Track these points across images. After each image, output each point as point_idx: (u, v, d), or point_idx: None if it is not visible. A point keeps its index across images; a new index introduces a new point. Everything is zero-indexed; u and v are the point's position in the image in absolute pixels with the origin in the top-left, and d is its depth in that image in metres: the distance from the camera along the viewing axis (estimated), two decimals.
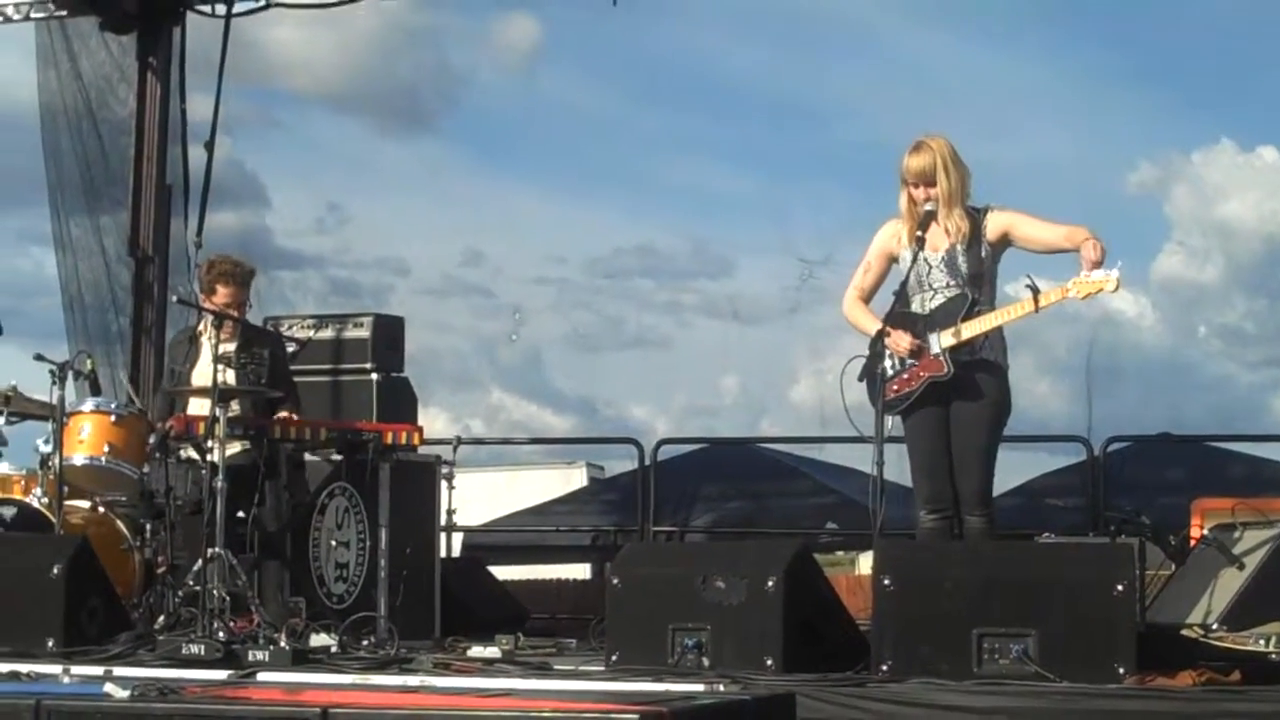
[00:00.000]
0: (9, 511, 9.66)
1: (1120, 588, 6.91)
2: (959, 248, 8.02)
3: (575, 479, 21.68)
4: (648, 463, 13.42)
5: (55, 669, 7.37)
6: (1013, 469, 13.11)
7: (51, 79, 14.49)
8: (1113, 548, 8.97)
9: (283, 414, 9.65)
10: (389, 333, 11.51)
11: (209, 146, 14.03)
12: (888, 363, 8.03)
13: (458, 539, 13.31)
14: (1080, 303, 7.87)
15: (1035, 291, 7.83)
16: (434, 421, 11.36)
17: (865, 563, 17.07)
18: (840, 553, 19.00)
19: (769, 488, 14.99)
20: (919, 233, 7.98)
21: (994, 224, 8.07)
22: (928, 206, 8.00)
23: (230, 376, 9.15)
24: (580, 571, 15.57)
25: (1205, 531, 8.51)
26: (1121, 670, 6.77)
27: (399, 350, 11.59)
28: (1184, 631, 7.57)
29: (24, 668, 7.36)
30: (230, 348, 9.42)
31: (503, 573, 12.80)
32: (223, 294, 9.69)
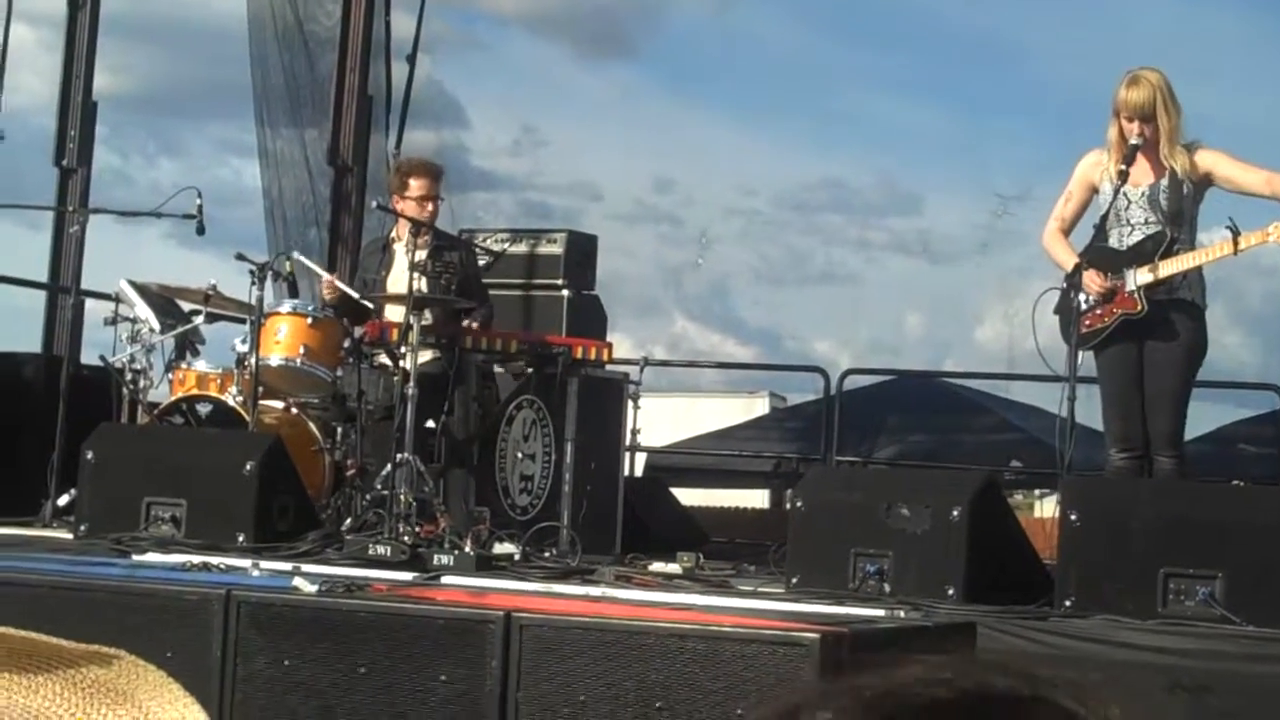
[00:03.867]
0: (205, 408, 9.83)
1: None
2: (1162, 184, 7.90)
3: (758, 408, 21.64)
4: (833, 392, 13.38)
5: (245, 563, 7.50)
6: (1203, 418, 12.92)
7: None
8: None
9: (465, 323, 9.73)
10: (582, 250, 11.55)
11: (411, 60, 14.17)
12: (1082, 297, 7.94)
13: (641, 459, 13.37)
14: (1275, 252, 7.74)
15: (1235, 233, 7.71)
16: (619, 346, 11.38)
17: (1046, 506, 16.93)
18: (1020, 496, 18.87)
19: (954, 422, 14.94)
20: (1123, 167, 7.87)
21: (1199, 163, 7.94)
22: (1135, 140, 7.87)
23: (423, 284, 9.24)
24: (759, 499, 15.60)
25: None
26: None
27: (591, 268, 11.62)
28: None
29: (215, 559, 7.51)
30: (423, 255, 9.50)
31: (684, 496, 12.84)
32: (415, 187, 9.77)
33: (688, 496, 13.26)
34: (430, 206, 9.82)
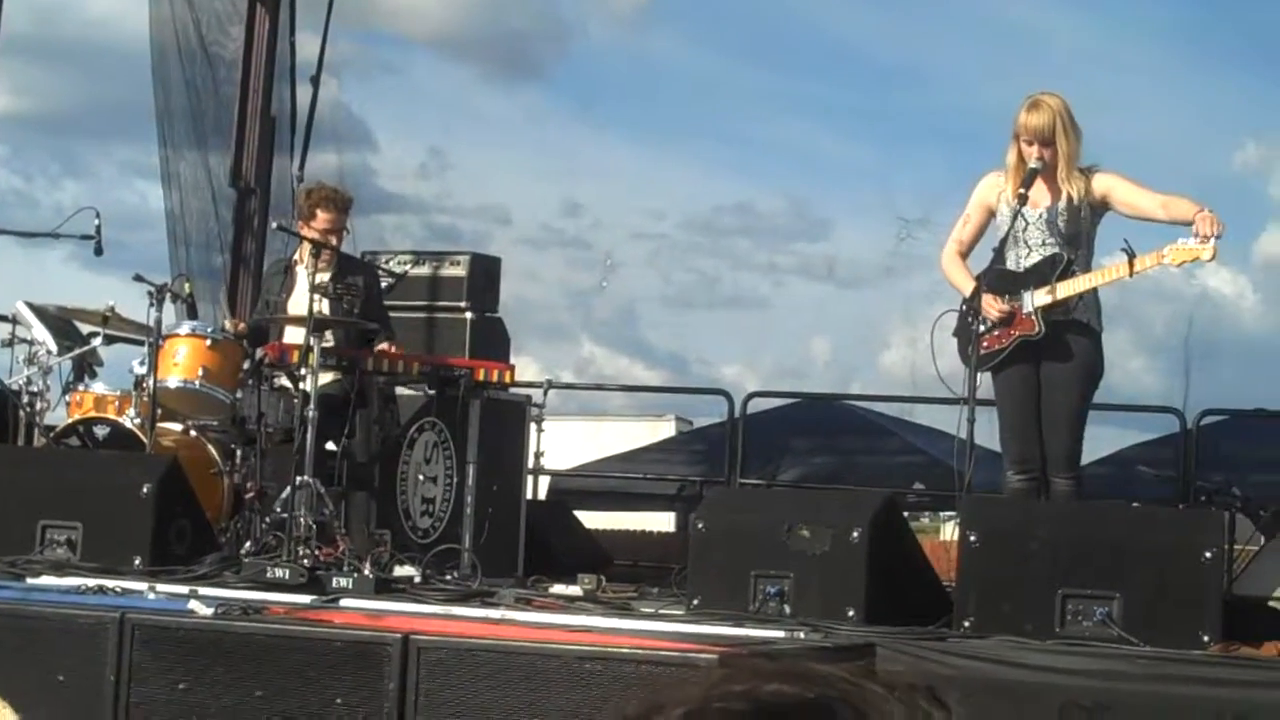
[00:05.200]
0: (102, 431, 9.75)
1: (1209, 555, 6.86)
2: (1060, 207, 7.96)
3: (663, 432, 21.64)
4: (737, 415, 13.40)
5: (141, 586, 7.44)
6: (1105, 441, 13.02)
7: (164, 11, 14.57)
8: (1202, 515, 8.90)
9: (382, 346, 9.70)
10: (485, 272, 11.52)
11: (315, 82, 14.11)
12: (981, 319, 7.98)
13: (544, 482, 13.34)
14: (1180, 279, 7.81)
15: (1131, 255, 7.78)
16: (524, 370, 11.38)
17: (948, 529, 17.01)
18: (925, 519, 18.94)
19: (857, 445, 14.97)
20: (1021, 189, 7.92)
21: (1097, 186, 8.00)
22: (1034, 164, 7.92)
23: (325, 306, 9.19)
24: (664, 522, 15.58)
25: None
26: (1206, 638, 6.72)
27: (495, 290, 11.60)
28: (1271, 603, 7.51)
29: (111, 583, 7.44)
30: (326, 277, 9.45)
31: (588, 519, 12.81)
32: (322, 219, 9.74)
33: (593, 519, 13.23)
34: (334, 239, 9.79)
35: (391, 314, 10.28)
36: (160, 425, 9.52)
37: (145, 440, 9.29)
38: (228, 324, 10.17)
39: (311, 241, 9.48)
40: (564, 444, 13.50)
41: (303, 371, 8.87)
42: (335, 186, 10.06)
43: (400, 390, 9.91)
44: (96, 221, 9.97)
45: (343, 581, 7.74)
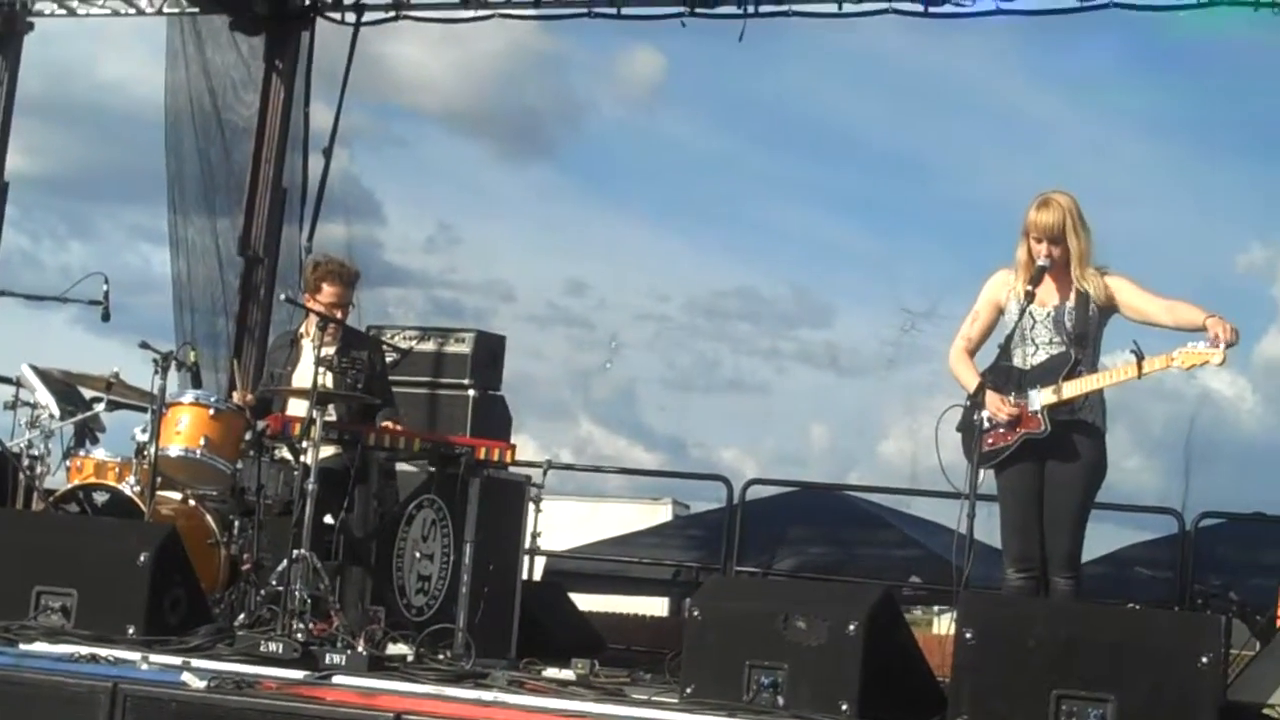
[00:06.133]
0: (101, 497, 9.74)
1: (1205, 660, 6.82)
2: (1068, 305, 7.97)
3: (661, 515, 21.64)
4: (735, 501, 13.39)
5: (134, 655, 7.40)
6: (1103, 539, 12.99)
7: (180, 77, 14.67)
8: (1200, 619, 8.84)
9: (386, 422, 9.71)
10: (490, 350, 11.55)
11: (327, 154, 14.18)
12: (985, 415, 7.98)
13: (540, 562, 13.32)
14: (1181, 379, 7.81)
15: (1139, 357, 7.78)
16: (524, 448, 11.38)
17: (943, 623, 16.95)
18: (919, 611, 18.87)
19: (855, 536, 14.97)
20: (1029, 287, 7.94)
21: (1105, 288, 8.01)
22: (1042, 262, 7.95)
23: (329, 380, 9.20)
24: (659, 606, 15.55)
25: None
26: None
27: (498, 368, 11.62)
28: (1266, 710, 7.48)
29: (104, 651, 7.40)
30: (331, 351, 9.46)
31: (582, 601, 12.79)
32: (328, 293, 9.78)
33: (587, 602, 13.21)
34: (340, 314, 9.82)
35: (395, 389, 10.30)
36: (159, 494, 9.50)
37: (144, 508, 9.28)
38: (236, 395, 10.18)
39: (318, 314, 9.50)
40: (561, 524, 13.50)
41: (304, 444, 8.87)
42: (342, 260, 10.10)
43: (400, 466, 9.91)
44: (105, 287, 9.99)
45: (336, 658, 7.70)
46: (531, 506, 11.13)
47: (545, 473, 12.19)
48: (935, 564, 12.83)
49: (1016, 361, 8.06)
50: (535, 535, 11.78)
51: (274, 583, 8.65)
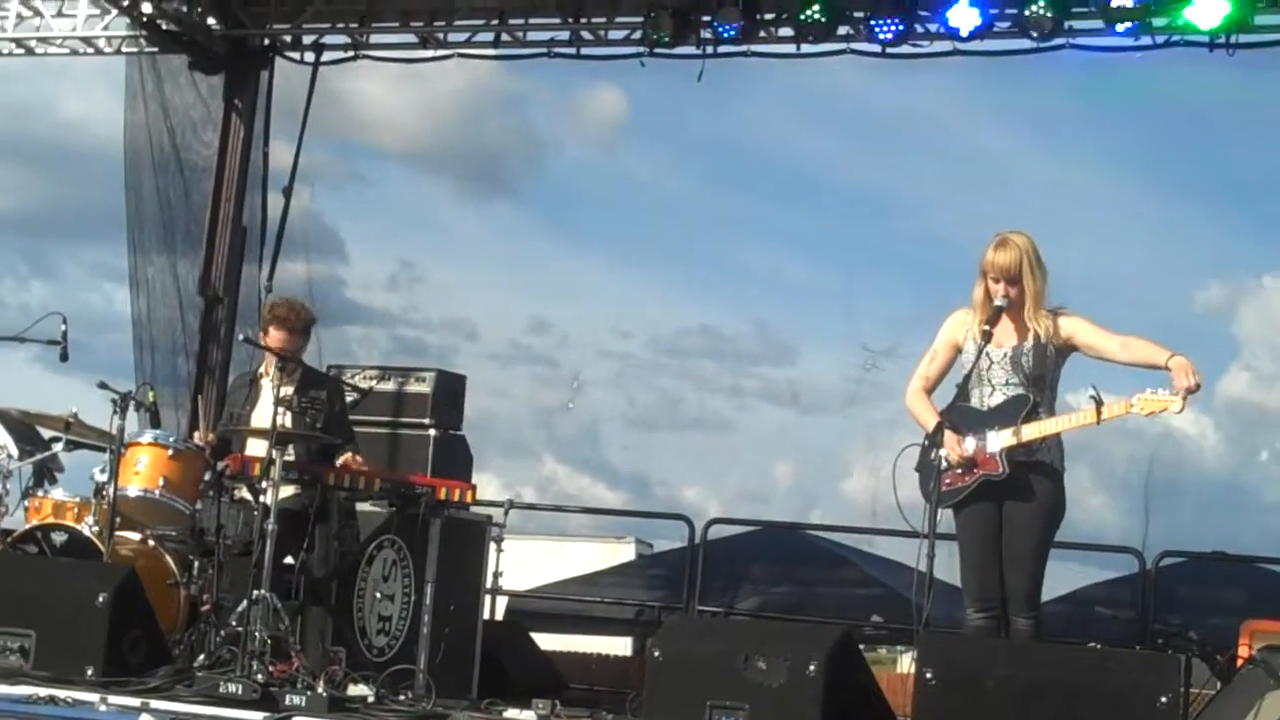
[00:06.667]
0: (60, 537, 9.69)
1: (1164, 699, 6.85)
2: (1025, 346, 8.00)
3: (623, 554, 21.59)
4: (697, 540, 13.38)
5: (93, 697, 7.38)
6: (1064, 578, 13.02)
7: (139, 116, 14.66)
8: (1160, 659, 8.83)
9: (345, 456, 9.67)
10: (450, 390, 11.54)
11: (286, 192, 14.17)
12: (944, 453, 7.98)
13: (502, 602, 13.29)
14: (1142, 419, 7.81)
15: (1099, 403, 7.80)
16: (486, 487, 11.37)
17: (906, 662, 16.96)
18: (882, 651, 18.87)
19: (817, 575, 14.96)
20: (986, 327, 7.97)
21: (1062, 328, 8.04)
22: (1000, 301, 7.98)
23: (288, 420, 9.17)
24: (621, 646, 15.50)
25: (1254, 652, 8.41)
26: None
27: (459, 408, 11.62)
28: None
29: (62, 693, 7.37)
30: (290, 391, 9.43)
31: (544, 640, 12.76)
32: (275, 337, 9.72)
33: (549, 641, 13.18)
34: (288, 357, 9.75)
35: (356, 428, 10.27)
36: (118, 534, 9.48)
37: (103, 549, 9.24)
38: (198, 435, 10.14)
39: (276, 354, 9.47)
40: (525, 563, 13.48)
41: (264, 484, 8.84)
42: (293, 305, 9.95)
43: (361, 506, 9.87)
44: (63, 327, 9.97)
45: (296, 699, 7.68)
46: (493, 546, 11.10)
47: (506, 512, 12.18)
48: (897, 603, 12.83)
49: (974, 402, 8.07)
50: (497, 575, 11.76)
51: (234, 623, 8.61)
